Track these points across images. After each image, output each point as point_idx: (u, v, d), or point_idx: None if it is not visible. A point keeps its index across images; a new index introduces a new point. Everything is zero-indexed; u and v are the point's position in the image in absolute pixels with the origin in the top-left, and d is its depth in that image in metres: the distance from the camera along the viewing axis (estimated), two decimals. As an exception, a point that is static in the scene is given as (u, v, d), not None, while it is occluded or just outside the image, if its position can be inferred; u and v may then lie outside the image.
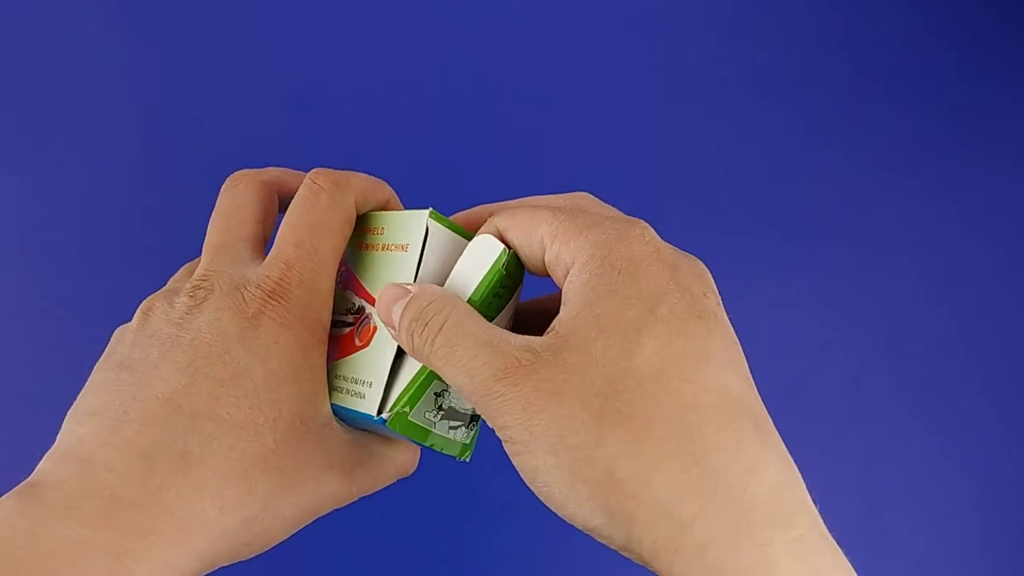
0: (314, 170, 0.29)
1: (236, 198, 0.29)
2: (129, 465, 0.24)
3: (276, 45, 0.51)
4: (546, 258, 0.25)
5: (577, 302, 0.24)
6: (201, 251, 0.29)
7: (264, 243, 0.29)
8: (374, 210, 0.30)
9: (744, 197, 0.53)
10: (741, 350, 0.25)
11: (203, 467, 0.24)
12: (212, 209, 0.31)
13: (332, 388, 0.28)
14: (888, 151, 0.56)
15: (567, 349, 0.23)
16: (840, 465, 0.51)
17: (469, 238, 0.28)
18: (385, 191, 0.30)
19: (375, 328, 0.27)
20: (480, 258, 0.27)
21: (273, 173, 0.31)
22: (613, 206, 0.31)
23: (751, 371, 0.30)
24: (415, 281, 0.27)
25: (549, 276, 0.27)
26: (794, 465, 0.24)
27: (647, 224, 0.25)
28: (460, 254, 0.28)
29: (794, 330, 0.52)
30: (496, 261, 0.26)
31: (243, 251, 0.28)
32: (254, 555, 0.27)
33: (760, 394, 0.30)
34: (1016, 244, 0.56)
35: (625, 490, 0.21)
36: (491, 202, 0.30)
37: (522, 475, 0.24)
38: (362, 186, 0.29)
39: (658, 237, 0.25)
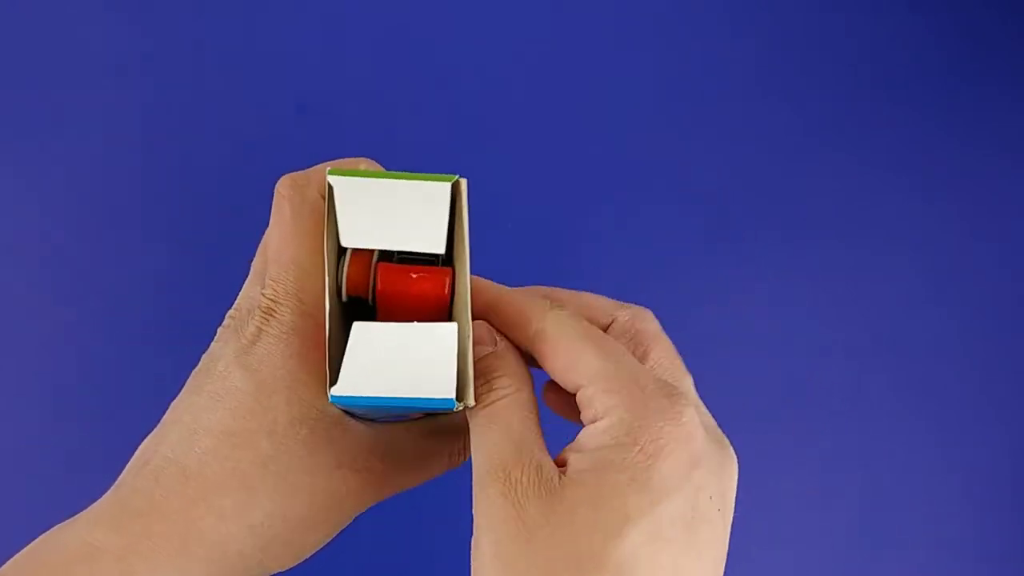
0: (280, 179, 0.30)
1: (280, 215, 0.30)
2: (144, 481, 0.26)
3: (279, 44, 0.51)
4: (579, 396, 0.26)
5: (588, 459, 0.24)
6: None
7: None
8: None
9: (744, 197, 0.53)
10: (719, 568, 0.25)
11: (200, 478, 0.26)
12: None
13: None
14: (888, 151, 0.56)
15: (559, 499, 0.23)
16: (840, 465, 0.51)
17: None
18: (356, 167, 0.30)
19: None
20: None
21: (314, 174, 0.31)
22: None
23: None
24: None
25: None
26: None
27: (690, 403, 0.25)
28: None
29: (794, 330, 0.52)
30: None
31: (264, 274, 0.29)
32: (288, 565, 0.27)
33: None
34: (1016, 244, 0.56)
35: None
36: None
37: (476, 566, 0.25)
38: (320, 179, 0.29)
39: (697, 418, 0.25)
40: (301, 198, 0.29)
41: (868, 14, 0.57)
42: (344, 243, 0.27)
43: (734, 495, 0.26)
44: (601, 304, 0.28)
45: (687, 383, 0.28)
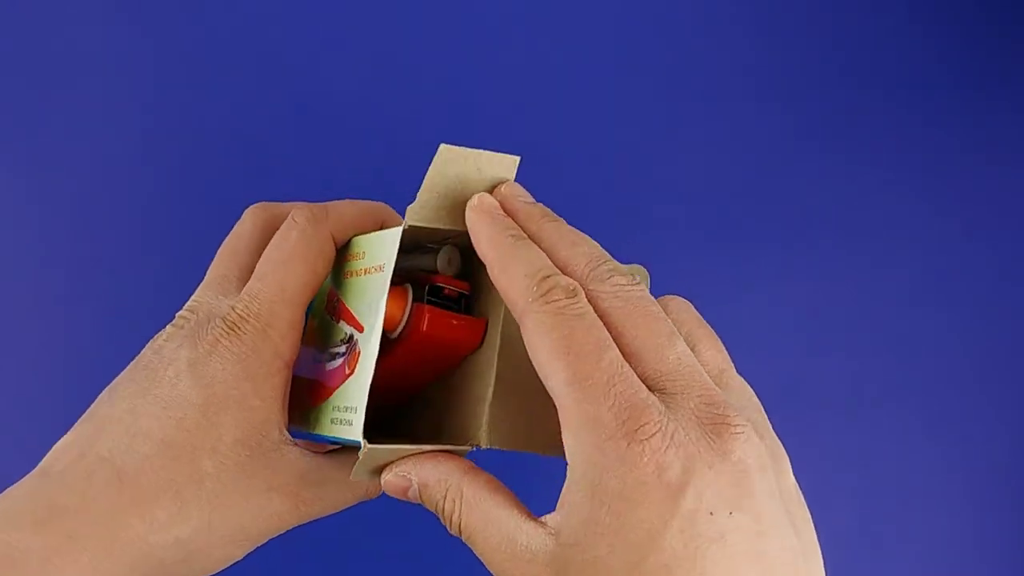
0: (296, 206, 0.30)
1: (239, 230, 0.31)
2: (75, 477, 0.26)
3: (278, 44, 0.51)
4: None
5: (574, 523, 0.23)
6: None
7: None
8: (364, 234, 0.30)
9: (744, 197, 0.53)
10: (756, 562, 0.22)
11: (136, 485, 0.26)
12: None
13: (331, 420, 0.28)
14: (888, 151, 0.56)
15: (565, 574, 0.22)
16: (839, 465, 0.51)
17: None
18: (376, 216, 0.30)
19: (359, 353, 0.27)
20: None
21: (284, 208, 0.32)
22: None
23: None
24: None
25: None
26: None
27: (657, 428, 0.22)
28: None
29: (794, 330, 0.52)
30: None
31: (232, 282, 0.30)
32: None
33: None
34: (1016, 244, 0.56)
35: None
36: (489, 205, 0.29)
37: None
38: (344, 215, 0.29)
39: (667, 445, 0.22)
40: (313, 231, 0.29)
41: (868, 15, 0.57)
42: (413, 222, 0.27)
43: (752, 470, 0.23)
44: (581, 263, 0.26)
45: (673, 357, 0.24)
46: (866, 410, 0.52)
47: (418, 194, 0.27)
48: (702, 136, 0.54)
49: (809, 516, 0.26)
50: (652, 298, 0.26)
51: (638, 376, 0.23)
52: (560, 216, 0.29)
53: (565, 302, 0.24)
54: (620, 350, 0.24)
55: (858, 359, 0.52)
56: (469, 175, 0.27)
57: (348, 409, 0.27)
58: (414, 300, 0.28)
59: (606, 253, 0.27)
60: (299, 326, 0.28)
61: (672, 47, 0.55)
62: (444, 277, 0.29)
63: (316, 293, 0.29)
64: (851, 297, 0.53)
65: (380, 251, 0.28)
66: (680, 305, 0.28)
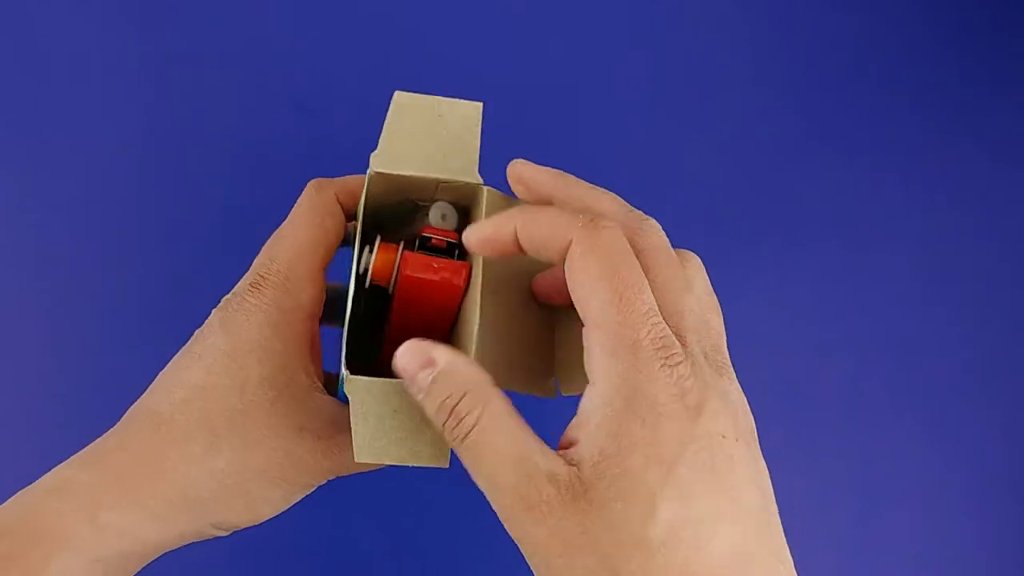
0: (309, 181, 0.33)
1: (294, 210, 0.33)
2: (120, 427, 0.30)
3: (278, 44, 0.51)
4: (583, 336, 0.25)
5: (598, 442, 0.24)
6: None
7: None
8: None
9: (744, 197, 0.53)
10: (757, 486, 0.25)
11: (171, 424, 0.29)
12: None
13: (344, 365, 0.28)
14: (888, 151, 0.56)
15: (587, 501, 0.23)
16: (839, 465, 0.51)
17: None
18: None
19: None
20: None
21: (339, 182, 0.33)
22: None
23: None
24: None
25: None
26: None
27: (683, 357, 0.24)
28: None
29: (794, 330, 0.52)
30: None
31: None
32: (244, 521, 0.30)
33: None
34: (1016, 244, 0.56)
35: None
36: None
37: None
38: (349, 181, 0.32)
39: (690, 373, 0.24)
40: (320, 196, 0.32)
41: (868, 14, 0.57)
42: (377, 168, 0.29)
43: (747, 414, 0.26)
44: (558, 228, 0.26)
45: (688, 301, 0.26)
46: (866, 410, 0.52)
47: (379, 141, 0.28)
48: (702, 136, 0.54)
49: None
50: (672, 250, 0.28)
51: None
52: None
53: (613, 233, 0.25)
54: None
55: (858, 359, 0.52)
56: (431, 120, 0.29)
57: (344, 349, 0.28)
58: (404, 250, 0.29)
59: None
60: (316, 278, 0.31)
61: (672, 46, 0.55)
62: (433, 228, 0.30)
63: (330, 248, 0.31)
64: (851, 297, 0.53)
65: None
66: (696, 265, 0.28)
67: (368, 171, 0.29)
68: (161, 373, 0.31)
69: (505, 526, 0.25)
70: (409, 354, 0.26)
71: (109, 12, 0.50)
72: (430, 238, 0.30)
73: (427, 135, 0.29)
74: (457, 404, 0.25)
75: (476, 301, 0.28)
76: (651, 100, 0.54)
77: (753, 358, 0.52)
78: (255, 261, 0.32)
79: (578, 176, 0.30)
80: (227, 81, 0.50)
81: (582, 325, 0.25)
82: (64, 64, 0.49)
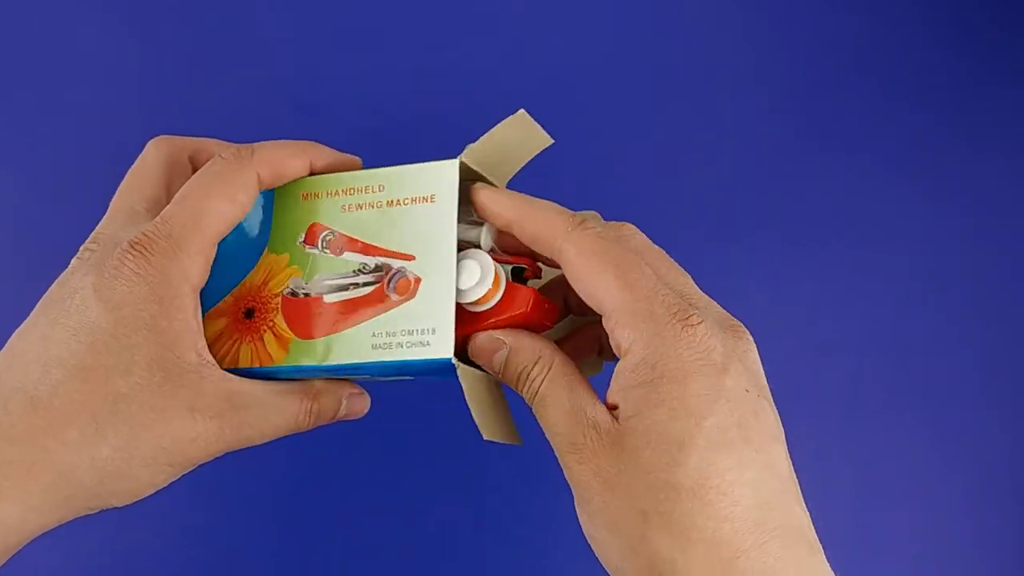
0: (211, 141, 0.31)
1: (143, 161, 0.31)
2: None
3: (277, 44, 0.51)
4: (604, 323, 0.27)
5: (632, 399, 0.26)
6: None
7: (163, 205, 0.30)
8: (317, 173, 0.31)
9: (744, 197, 0.53)
10: (779, 442, 0.27)
11: (49, 408, 0.26)
12: None
13: (374, 347, 0.29)
14: (888, 151, 0.56)
15: (621, 447, 0.26)
16: (839, 465, 0.51)
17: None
18: (304, 154, 0.31)
19: (418, 279, 0.29)
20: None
21: (191, 141, 0.32)
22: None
23: None
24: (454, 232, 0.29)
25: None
26: (819, 564, 0.26)
27: (700, 313, 0.27)
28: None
29: (794, 330, 0.52)
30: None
31: (138, 212, 0.30)
32: (124, 501, 0.28)
33: None
34: (1016, 244, 0.56)
35: None
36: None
37: (582, 524, 0.28)
38: (269, 155, 0.30)
39: (708, 327, 0.26)
40: (237, 165, 0.29)
41: (868, 14, 0.57)
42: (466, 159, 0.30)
43: (761, 369, 0.28)
44: (549, 229, 0.29)
45: (689, 284, 0.29)
46: (866, 410, 0.52)
47: (480, 139, 0.30)
48: (701, 135, 0.54)
49: None
50: None
51: None
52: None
53: (601, 229, 0.28)
54: None
55: (858, 359, 0.52)
56: (515, 141, 0.31)
57: (416, 332, 0.28)
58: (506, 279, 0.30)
59: None
60: (209, 254, 0.29)
61: (671, 46, 0.55)
62: (503, 256, 0.31)
63: (232, 225, 0.29)
64: (851, 297, 0.53)
65: (421, 183, 0.30)
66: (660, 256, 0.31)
67: (459, 158, 0.30)
68: (21, 341, 0.28)
69: (562, 466, 0.28)
70: (483, 342, 0.29)
71: (109, 12, 0.50)
72: (524, 269, 0.31)
73: (505, 152, 0.31)
74: (529, 371, 0.28)
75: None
76: (651, 100, 0.54)
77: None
78: (114, 212, 0.30)
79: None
80: (227, 81, 0.50)
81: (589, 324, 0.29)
82: (64, 64, 0.49)
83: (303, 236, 0.31)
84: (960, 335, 0.54)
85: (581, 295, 0.28)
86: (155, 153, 0.32)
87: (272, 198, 0.31)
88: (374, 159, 0.50)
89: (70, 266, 0.29)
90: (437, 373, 0.30)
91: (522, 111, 0.30)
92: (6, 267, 0.47)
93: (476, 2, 0.53)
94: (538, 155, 0.34)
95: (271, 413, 0.30)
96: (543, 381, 0.28)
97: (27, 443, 0.26)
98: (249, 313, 0.31)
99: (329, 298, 0.30)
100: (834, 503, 0.50)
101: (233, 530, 0.46)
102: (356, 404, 0.32)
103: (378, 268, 0.29)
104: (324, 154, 0.31)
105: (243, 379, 0.29)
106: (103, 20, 0.50)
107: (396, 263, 0.29)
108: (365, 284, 0.29)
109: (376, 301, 0.29)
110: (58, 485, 0.26)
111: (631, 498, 0.25)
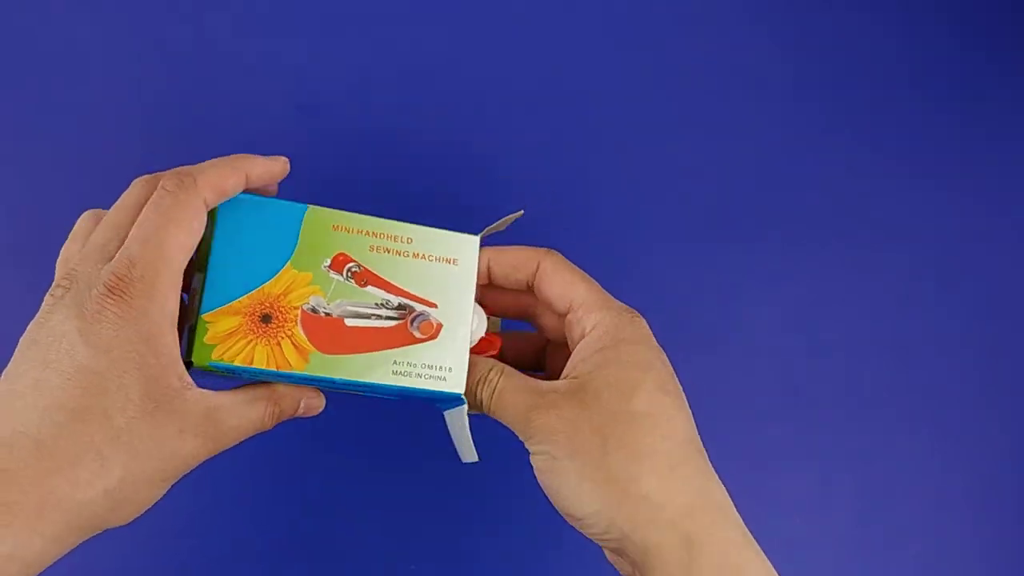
0: (165, 173, 0.32)
1: (125, 201, 0.33)
2: None
3: (279, 44, 0.51)
4: (569, 318, 0.36)
5: (592, 361, 0.34)
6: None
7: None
8: (252, 182, 0.34)
9: (743, 197, 0.54)
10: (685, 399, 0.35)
11: (55, 450, 0.28)
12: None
13: (394, 372, 0.34)
14: (888, 151, 0.56)
15: (583, 392, 0.33)
16: (839, 465, 0.51)
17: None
18: (239, 169, 0.33)
19: (439, 325, 0.35)
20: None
21: (212, 182, 0.33)
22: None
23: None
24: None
25: (529, 320, 0.39)
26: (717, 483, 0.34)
27: (637, 315, 0.36)
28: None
29: (794, 330, 0.52)
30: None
31: (111, 250, 0.31)
32: (129, 519, 0.31)
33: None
34: (1017, 243, 0.56)
35: (620, 487, 0.32)
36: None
37: (538, 476, 0.34)
38: (211, 178, 0.32)
39: (644, 323, 0.36)
40: (186, 195, 0.31)
41: (869, 13, 0.57)
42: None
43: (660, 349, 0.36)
44: (527, 255, 0.37)
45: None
46: (866, 410, 0.52)
47: (492, 225, 0.37)
48: (701, 135, 0.54)
49: None
50: None
51: None
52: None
53: (564, 258, 0.37)
54: None
55: (858, 359, 0.53)
56: (503, 225, 0.38)
57: (437, 367, 0.35)
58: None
59: None
60: (179, 283, 0.31)
61: (671, 46, 0.55)
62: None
63: (192, 251, 0.32)
64: (851, 297, 0.53)
65: (445, 247, 0.36)
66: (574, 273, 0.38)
67: (481, 234, 0.37)
68: (15, 386, 0.29)
69: (521, 437, 0.34)
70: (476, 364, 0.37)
71: (109, 11, 0.50)
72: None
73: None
74: (486, 375, 0.35)
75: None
76: (651, 100, 0.54)
77: (753, 358, 0.52)
78: (89, 246, 0.31)
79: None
80: (227, 81, 0.50)
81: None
82: (64, 63, 0.49)
83: (329, 262, 0.34)
84: (960, 335, 0.54)
85: (551, 295, 0.36)
86: (138, 193, 0.33)
87: (303, 215, 0.35)
88: (375, 159, 0.50)
89: (46, 305, 0.30)
90: (438, 402, 0.37)
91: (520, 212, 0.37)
92: (6, 267, 0.47)
93: (476, 2, 0.53)
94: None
95: (243, 421, 0.33)
96: (499, 378, 0.35)
97: (37, 485, 0.27)
98: (266, 319, 0.33)
99: (351, 322, 0.34)
100: (834, 503, 0.50)
101: (224, 528, 0.46)
102: (313, 403, 0.36)
103: (401, 307, 0.35)
104: (256, 164, 0.34)
105: (217, 393, 0.32)
106: (103, 20, 0.50)
107: (418, 307, 0.35)
108: (388, 318, 0.35)
109: (399, 334, 0.35)
110: (72, 519, 0.28)
111: (592, 427, 0.32)
